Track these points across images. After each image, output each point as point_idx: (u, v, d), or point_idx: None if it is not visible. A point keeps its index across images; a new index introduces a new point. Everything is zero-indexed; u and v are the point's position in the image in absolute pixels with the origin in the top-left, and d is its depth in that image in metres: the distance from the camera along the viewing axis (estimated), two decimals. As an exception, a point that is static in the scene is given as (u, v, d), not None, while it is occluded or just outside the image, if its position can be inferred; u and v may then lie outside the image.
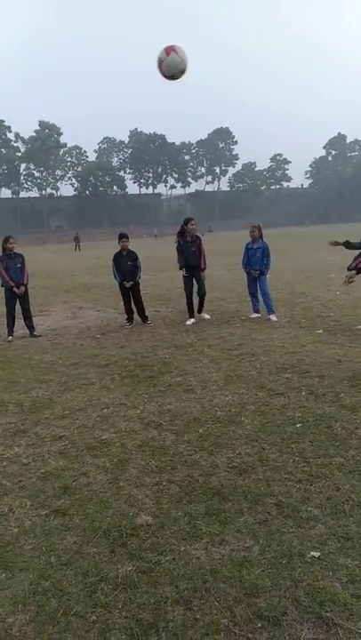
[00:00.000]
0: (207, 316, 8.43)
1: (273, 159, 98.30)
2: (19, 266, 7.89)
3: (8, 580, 2.32)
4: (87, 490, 3.10)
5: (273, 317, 7.97)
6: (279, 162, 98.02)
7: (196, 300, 8.34)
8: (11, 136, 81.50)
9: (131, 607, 2.10)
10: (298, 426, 3.86)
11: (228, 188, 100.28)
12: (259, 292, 8.24)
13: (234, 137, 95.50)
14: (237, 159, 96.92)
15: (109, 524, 2.71)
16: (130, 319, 8.39)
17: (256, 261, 8.14)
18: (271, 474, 3.16)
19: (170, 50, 5.18)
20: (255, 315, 8.23)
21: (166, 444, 3.69)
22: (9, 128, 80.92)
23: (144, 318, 8.39)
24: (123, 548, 2.50)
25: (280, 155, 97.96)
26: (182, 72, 5.33)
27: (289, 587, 2.17)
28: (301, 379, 5.00)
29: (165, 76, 5.31)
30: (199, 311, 8.43)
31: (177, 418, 4.19)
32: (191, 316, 8.26)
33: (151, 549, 2.48)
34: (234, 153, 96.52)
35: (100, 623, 2.02)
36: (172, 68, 5.25)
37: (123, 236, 8.36)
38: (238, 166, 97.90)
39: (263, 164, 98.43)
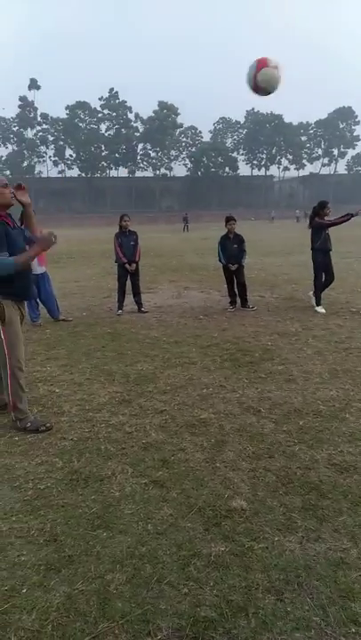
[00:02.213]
0: (322, 310, 7.93)
1: None
2: (132, 243, 8.19)
3: (109, 539, 2.47)
4: (184, 465, 3.18)
5: (388, 312, 7.45)
6: None
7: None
8: (131, 116, 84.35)
9: (222, 587, 2.13)
10: None
11: (346, 172, 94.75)
12: None
13: (357, 116, 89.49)
14: (359, 140, 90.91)
15: (204, 502, 2.77)
16: (233, 302, 8.37)
17: None
18: (375, 477, 2.99)
19: (262, 64, 4.86)
20: None
21: (265, 432, 3.65)
22: (130, 108, 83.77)
23: (244, 302, 8.35)
24: (216, 527, 2.54)
25: None
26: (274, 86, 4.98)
27: (389, 598, 2.06)
28: None
29: (260, 91, 4.99)
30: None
31: (277, 407, 4.12)
32: (318, 303, 8.01)
33: (245, 534, 2.48)
34: (355, 134, 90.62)
35: (192, 597, 2.08)
36: (268, 81, 4.92)
37: (230, 219, 8.29)
38: (359, 148, 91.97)
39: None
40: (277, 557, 2.31)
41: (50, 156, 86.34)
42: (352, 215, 7.61)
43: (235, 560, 2.30)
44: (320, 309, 7.85)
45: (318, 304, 7.96)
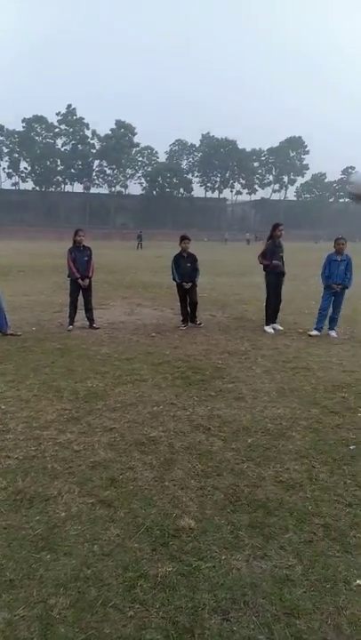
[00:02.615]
0: (280, 327, 8.22)
1: (344, 172, 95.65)
2: (86, 259, 8.12)
3: (53, 561, 2.39)
4: (133, 484, 3.14)
5: (333, 334, 7.74)
6: (350, 175, 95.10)
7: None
8: (88, 133, 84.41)
9: (168, 608, 2.10)
10: (352, 447, 3.73)
11: (295, 198, 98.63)
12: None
13: (306, 146, 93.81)
14: (307, 169, 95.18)
15: (152, 521, 2.73)
16: (185, 321, 8.45)
17: (339, 275, 7.68)
18: (320, 494, 3.06)
19: None
20: (315, 333, 7.79)
21: (213, 450, 3.67)
22: (87, 125, 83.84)
23: (193, 318, 8.51)
24: (164, 547, 2.51)
25: (352, 167, 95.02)
26: None
27: (331, 612, 2.10)
28: (358, 399, 4.82)
29: None
30: (274, 320, 8.30)
31: (226, 425, 4.16)
32: (270, 322, 8.21)
33: (192, 553, 2.47)
34: (304, 163, 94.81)
35: (137, 619, 2.04)
36: None
37: (184, 238, 8.43)
38: (308, 176, 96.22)
39: (334, 175, 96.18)
40: (224, 576, 2.31)
41: (4, 168, 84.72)
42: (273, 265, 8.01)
43: (182, 580, 2.28)
44: (268, 329, 8.07)
45: (267, 324, 8.19)
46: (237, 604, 2.15)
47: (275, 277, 8.15)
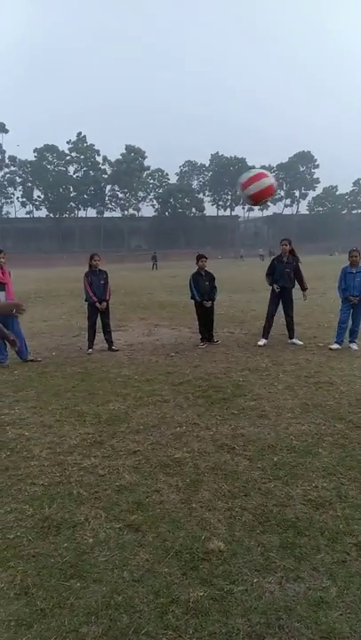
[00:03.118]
0: (300, 342, 8.16)
1: (356, 183, 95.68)
2: (102, 282, 8.23)
3: (83, 589, 2.37)
4: (160, 508, 3.11)
5: (354, 346, 7.64)
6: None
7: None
8: (99, 159, 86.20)
9: (202, 634, 2.06)
10: (380, 463, 3.65)
11: (308, 212, 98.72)
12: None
13: (316, 160, 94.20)
14: (318, 183, 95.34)
15: (181, 545, 2.70)
16: (204, 339, 8.45)
17: (356, 287, 7.64)
18: (351, 512, 2.99)
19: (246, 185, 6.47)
20: (336, 346, 7.70)
21: (239, 470, 3.63)
22: (98, 152, 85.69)
23: (211, 337, 8.55)
24: (194, 571, 2.48)
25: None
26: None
27: (370, 636, 2.03)
28: (384, 413, 4.73)
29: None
30: (291, 336, 8.30)
31: (250, 443, 4.11)
32: (265, 336, 8.26)
33: (223, 577, 2.43)
34: (315, 177, 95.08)
35: (171, 646, 2.00)
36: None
37: (201, 257, 8.53)
38: (319, 190, 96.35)
39: (345, 188, 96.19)
40: (257, 600, 2.26)
41: (18, 197, 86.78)
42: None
43: (214, 605, 2.24)
44: (260, 342, 8.18)
45: (263, 336, 8.32)
46: (272, 628, 2.10)
47: (275, 294, 8.27)
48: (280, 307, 8.38)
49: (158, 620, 2.15)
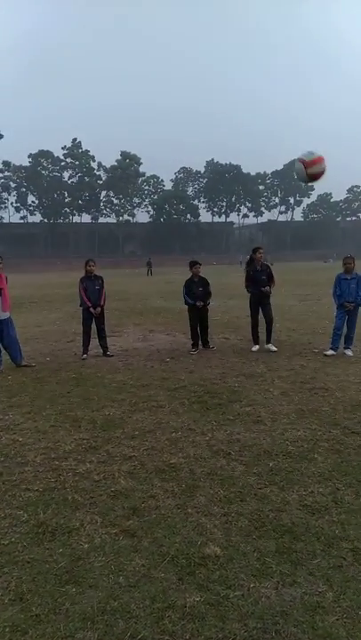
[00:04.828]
0: (274, 348, 8.21)
1: (350, 190, 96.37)
2: (97, 287, 8.23)
3: (78, 594, 2.35)
4: (155, 513, 3.10)
5: (349, 352, 7.67)
6: (356, 193, 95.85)
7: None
8: (94, 165, 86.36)
9: (198, 639, 2.05)
10: (376, 468, 3.66)
11: (302, 219, 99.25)
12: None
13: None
14: (313, 190, 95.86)
15: (177, 550, 2.69)
16: (195, 345, 8.46)
17: (351, 293, 7.67)
18: (346, 517, 3.00)
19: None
20: (331, 352, 7.71)
21: (235, 475, 3.63)
22: (93, 157, 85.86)
23: (206, 342, 8.55)
24: (190, 576, 2.47)
25: (357, 186, 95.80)
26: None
27: (367, 641, 2.03)
28: (379, 418, 4.75)
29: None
30: (267, 341, 8.32)
31: (246, 449, 4.11)
32: (256, 342, 8.36)
33: (219, 582, 2.42)
34: (310, 183, 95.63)
35: (168, 652, 1.99)
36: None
37: (195, 263, 8.57)
38: (313, 197, 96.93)
39: (340, 195, 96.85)
40: (253, 605, 2.26)
41: (12, 203, 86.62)
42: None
43: (210, 610, 2.23)
44: (253, 349, 8.26)
45: (255, 343, 8.38)
46: (269, 633, 2.09)
47: (255, 299, 8.39)
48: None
49: (154, 626, 2.14)
